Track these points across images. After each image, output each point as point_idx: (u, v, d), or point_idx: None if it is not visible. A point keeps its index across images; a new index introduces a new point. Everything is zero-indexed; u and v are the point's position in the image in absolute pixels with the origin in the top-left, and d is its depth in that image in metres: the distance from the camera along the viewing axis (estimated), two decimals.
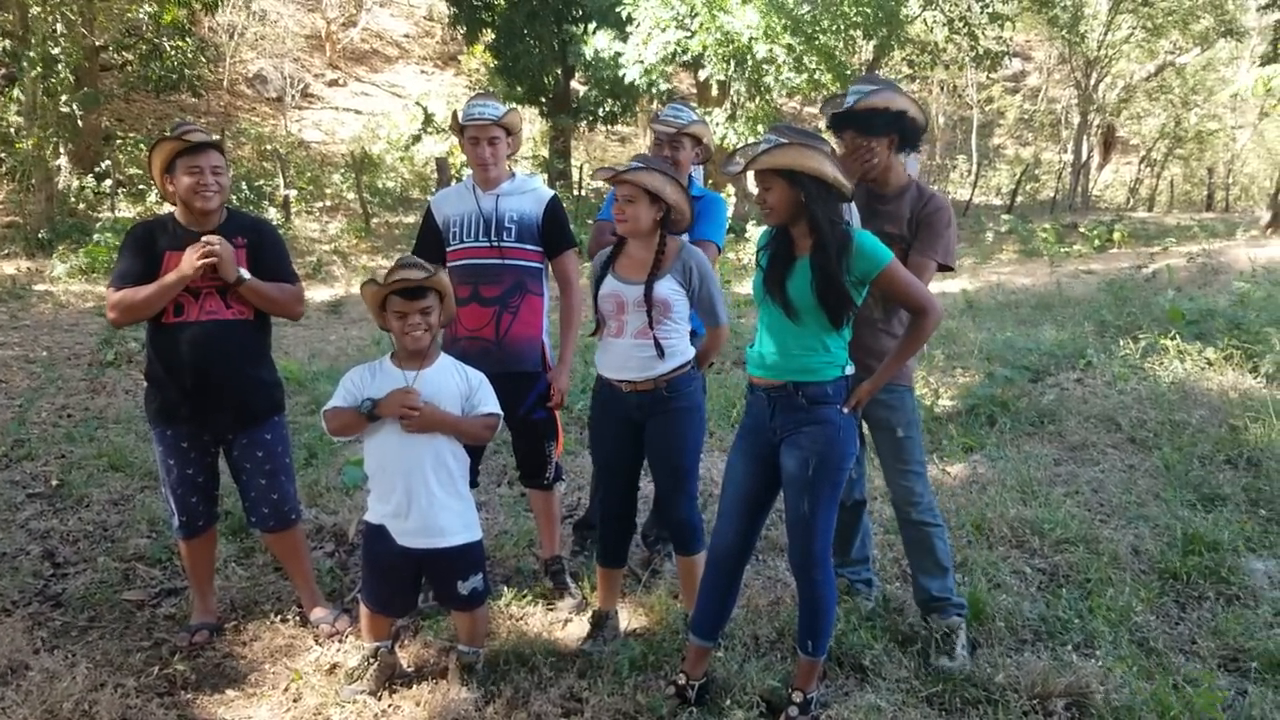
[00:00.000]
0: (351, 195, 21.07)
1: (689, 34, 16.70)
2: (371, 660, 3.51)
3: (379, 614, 3.50)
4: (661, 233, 3.49)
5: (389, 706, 3.41)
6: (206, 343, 3.64)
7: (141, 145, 19.61)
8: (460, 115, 4.00)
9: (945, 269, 3.72)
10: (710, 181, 3.61)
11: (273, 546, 4.07)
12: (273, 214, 18.13)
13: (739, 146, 3.31)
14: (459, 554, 3.39)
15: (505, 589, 4.26)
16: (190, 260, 3.54)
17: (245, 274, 3.65)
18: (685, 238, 3.72)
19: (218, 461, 3.91)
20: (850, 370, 3.21)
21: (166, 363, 3.66)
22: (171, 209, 3.79)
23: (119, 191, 18.21)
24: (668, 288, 3.47)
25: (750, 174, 3.14)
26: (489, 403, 3.44)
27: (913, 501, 3.78)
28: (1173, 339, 8.03)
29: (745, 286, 14.60)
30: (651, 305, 3.44)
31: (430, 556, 3.38)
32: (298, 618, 4.02)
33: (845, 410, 3.16)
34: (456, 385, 3.41)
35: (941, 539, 3.79)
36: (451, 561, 3.39)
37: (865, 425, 3.87)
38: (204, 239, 3.56)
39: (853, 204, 3.25)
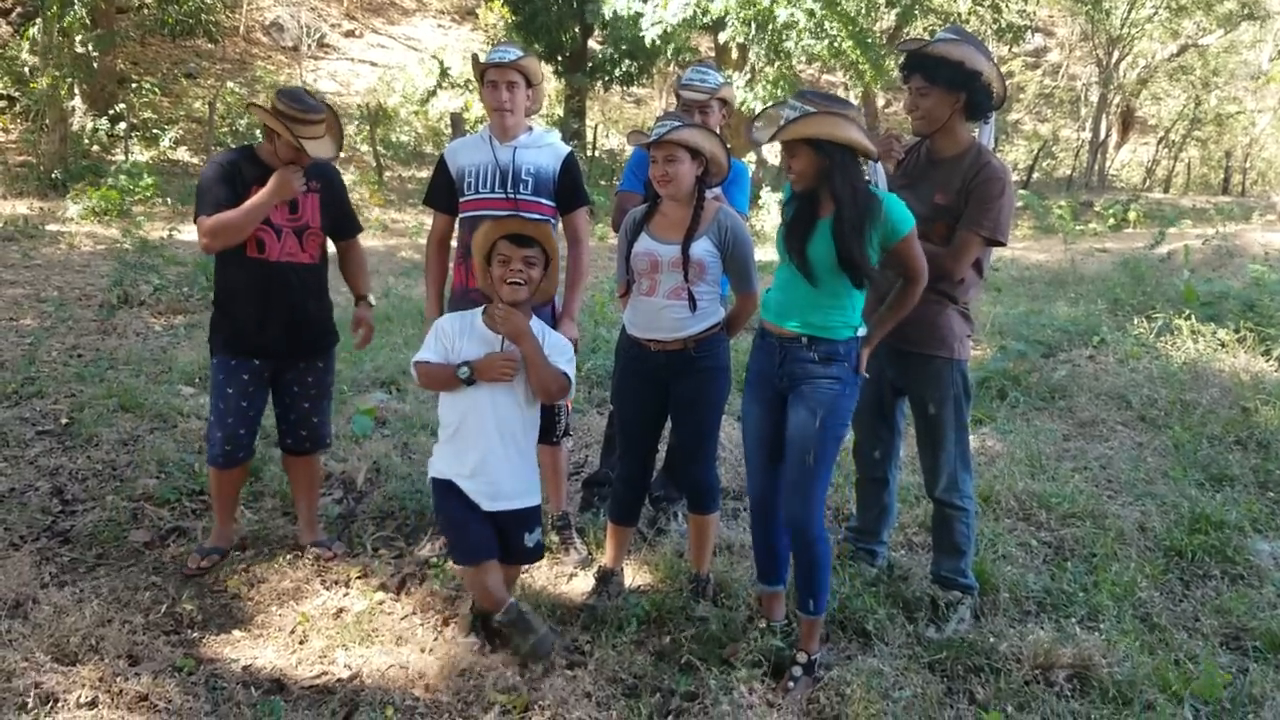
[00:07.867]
0: (365, 148, 20.96)
1: None
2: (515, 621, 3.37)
3: (480, 564, 3.32)
4: (699, 192, 3.46)
5: (397, 660, 3.42)
6: (283, 282, 3.81)
7: (156, 89, 19.53)
8: (481, 59, 3.97)
9: (995, 243, 3.52)
10: (729, 145, 3.55)
11: (296, 470, 4.16)
12: None
13: (764, 108, 3.24)
14: (525, 513, 3.42)
15: None
16: (284, 179, 3.65)
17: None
18: (722, 196, 3.68)
19: (267, 398, 4.01)
20: (862, 331, 3.21)
21: (240, 294, 3.80)
22: (248, 144, 3.90)
23: (133, 135, 18.16)
24: (704, 249, 3.43)
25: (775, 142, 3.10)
26: (564, 365, 3.35)
27: (938, 480, 3.74)
28: (1186, 319, 7.99)
29: (758, 254, 14.54)
30: (688, 265, 3.41)
31: (500, 515, 3.37)
32: (306, 561, 4.05)
33: (854, 370, 3.19)
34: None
35: (964, 522, 3.74)
36: (518, 519, 3.41)
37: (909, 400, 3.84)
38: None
39: (879, 164, 3.22)
